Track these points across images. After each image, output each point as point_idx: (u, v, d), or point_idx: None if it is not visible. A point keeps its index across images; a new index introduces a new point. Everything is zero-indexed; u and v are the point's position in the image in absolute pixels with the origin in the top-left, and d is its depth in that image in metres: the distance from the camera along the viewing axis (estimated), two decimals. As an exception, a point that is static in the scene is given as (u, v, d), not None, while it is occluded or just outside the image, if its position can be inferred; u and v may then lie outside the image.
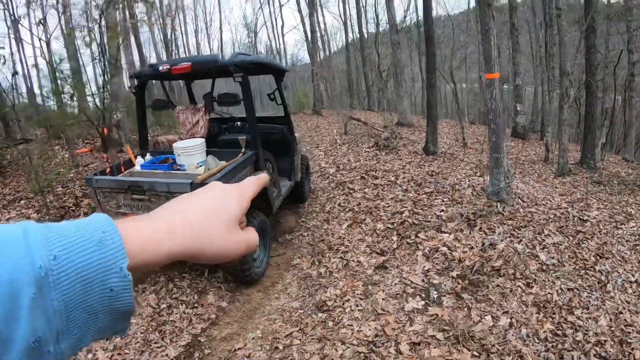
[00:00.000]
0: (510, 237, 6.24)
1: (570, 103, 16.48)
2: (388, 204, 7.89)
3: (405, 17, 32.62)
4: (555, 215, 7.22)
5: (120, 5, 13.61)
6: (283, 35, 34.72)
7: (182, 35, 39.96)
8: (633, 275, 5.64)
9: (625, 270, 5.77)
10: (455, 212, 7.04)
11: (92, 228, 0.51)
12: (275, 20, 37.06)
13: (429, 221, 6.90)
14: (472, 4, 30.11)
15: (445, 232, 6.48)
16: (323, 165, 11.02)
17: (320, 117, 20.69)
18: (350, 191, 8.89)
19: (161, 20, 36.45)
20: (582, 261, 5.86)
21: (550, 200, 8.05)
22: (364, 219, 7.52)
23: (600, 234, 6.87)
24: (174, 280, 5.71)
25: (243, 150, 5.86)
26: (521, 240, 6.14)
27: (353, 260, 6.27)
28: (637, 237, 7.00)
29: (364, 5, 36.05)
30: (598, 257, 6.02)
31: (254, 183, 0.76)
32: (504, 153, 7.36)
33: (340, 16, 36.04)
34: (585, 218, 7.40)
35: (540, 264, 5.65)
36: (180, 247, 0.59)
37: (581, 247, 6.24)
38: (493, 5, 7.18)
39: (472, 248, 5.96)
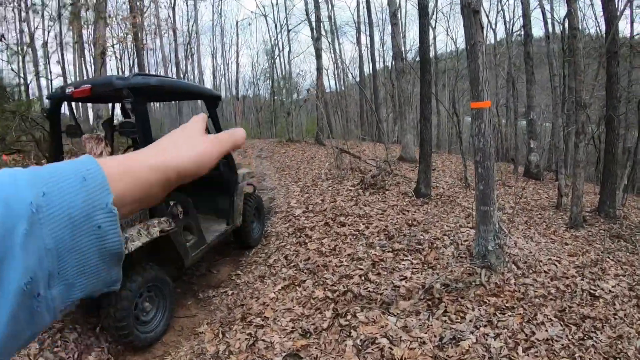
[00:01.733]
0: (486, 325, 4.53)
1: (588, 141, 15.49)
2: (341, 262, 6.29)
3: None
4: (558, 289, 5.54)
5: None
6: (289, 61, 33.25)
7: (196, 58, 39.36)
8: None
9: (648, 391, 4.05)
10: (421, 281, 5.35)
11: (76, 167, 0.50)
12: (289, 45, 35.96)
13: (380, 294, 5.22)
14: (492, 39, 29.42)
15: (392, 315, 4.75)
16: (292, 205, 9.49)
17: (321, 147, 19.42)
18: (306, 240, 7.35)
19: (174, 41, 35.99)
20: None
21: (556, 265, 6.36)
22: (304, 281, 5.98)
23: (616, 319, 5.14)
24: (64, 330, 4.83)
25: None
26: (500, 334, 4.40)
27: (264, 340, 4.78)
28: None
29: (382, 34, 35.71)
30: (609, 366, 4.26)
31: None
32: (495, 205, 5.68)
33: (355, 45, 35.32)
34: (597, 293, 5.70)
35: (522, 377, 3.95)
36: (162, 161, 0.59)
37: (585, 346, 4.48)
38: (480, 14, 5.62)
39: (423, 344, 4.24)
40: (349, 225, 7.72)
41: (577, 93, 9.32)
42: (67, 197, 0.46)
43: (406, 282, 5.43)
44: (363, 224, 7.72)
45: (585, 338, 4.62)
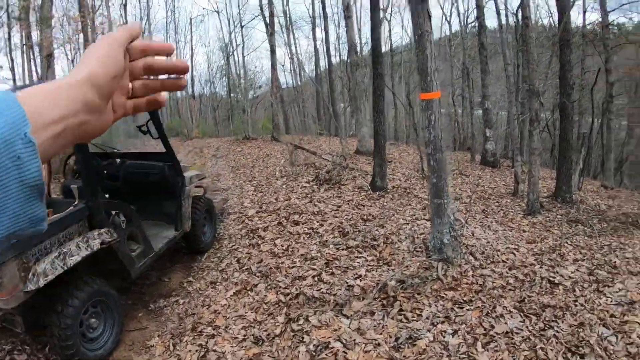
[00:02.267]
0: (443, 322, 4.34)
1: (543, 128, 15.65)
2: (294, 263, 6.03)
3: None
4: (517, 279, 5.40)
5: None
6: (244, 57, 32.82)
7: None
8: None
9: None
10: (376, 279, 5.13)
11: None
12: (243, 41, 35.44)
13: (333, 295, 4.98)
14: (447, 31, 29.37)
15: (346, 317, 4.52)
16: (246, 205, 9.18)
17: (277, 144, 18.99)
18: (259, 242, 7.07)
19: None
20: (547, 364, 3.94)
21: (514, 254, 6.24)
22: (257, 285, 5.70)
23: (577, 306, 5.02)
24: (13, 352, 4.61)
25: (76, 201, 4.77)
26: (458, 330, 4.21)
27: (215, 351, 4.49)
28: (626, 307, 5.14)
29: (337, 28, 35.72)
30: (569, 357, 4.09)
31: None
32: (449, 198, 5.50)
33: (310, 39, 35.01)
34: (557, 280, 5.58)
35: (482, 373, 3.76)
36: (70, 77, 0.60)
37: (546, 336, 4.33)
38: (428, 3, 5.42)
39: (378, 346, 4.01)
40: (302, 224, 7.47)
41: (531, 81, 9.25)
42: None
43: (360, 280, 5.20)
44: (317, 222, 7.48)
45: (546, 328, 4.48)
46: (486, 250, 6.07)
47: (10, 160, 0.47)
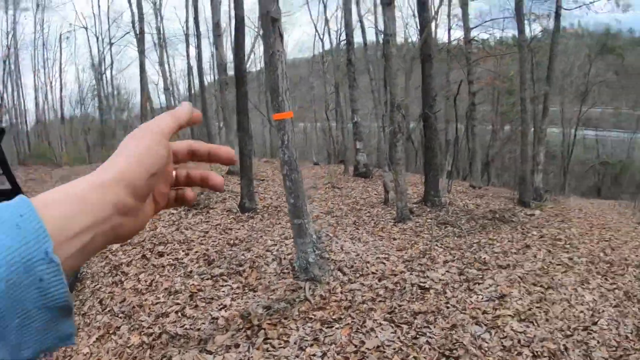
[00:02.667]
0: (312, 345, 4.17)
1: (407, 138, 16.27)
2: (158, 299, 5.63)
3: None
4: (387, 289, 5.37)
5: None
6: (112, 77, 31.52)
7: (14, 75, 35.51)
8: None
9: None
10: (242, 307, 4.85)
11: (8, 212, 0.43)
12: (112, 59, 33.81)
13: (197, 330, 4.65)
14: (320, 48, 29.78)
15: (209, 353, 4.21)
16: (109, 240, 8.53)
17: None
18: (122, 278, 6.55)
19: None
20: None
21: (384, 263, 6.22)
22: (119, 327, 5.22)
23: (448, 308, 5.08)
24: None
25: None
26: (328, 351, 4.03)
27: None
28: (497, 302, 5.31)
29: (212, 47, 35.29)
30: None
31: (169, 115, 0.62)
32: (309, 217, 5.36)
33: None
34: (427, 284, 5.62)
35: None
36: (98, 176, 0.50)
37: (419, 344, 4.27)
38: (280, 22, 5.28)
39: (246, 382, 3.74)
40: (167, 255, 7.04)
41: (392, 95, 9.41)
42: (2, 248, 0.40)
43: (225, 311, 4.93)
44: (183, 251, 7.08)
45: (418, 336, 4.44)
46: (355, 263, 5.99)
47: (31, 284, 0.41)
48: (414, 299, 5.16)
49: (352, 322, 4.53)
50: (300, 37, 75.78)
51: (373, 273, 5.77)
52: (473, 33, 20.06)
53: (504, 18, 21.88)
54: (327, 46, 27.51)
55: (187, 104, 0.65)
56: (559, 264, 6.99)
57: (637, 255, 7.75)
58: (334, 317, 4.61)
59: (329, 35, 27.66)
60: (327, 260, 5.64)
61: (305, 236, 5.25)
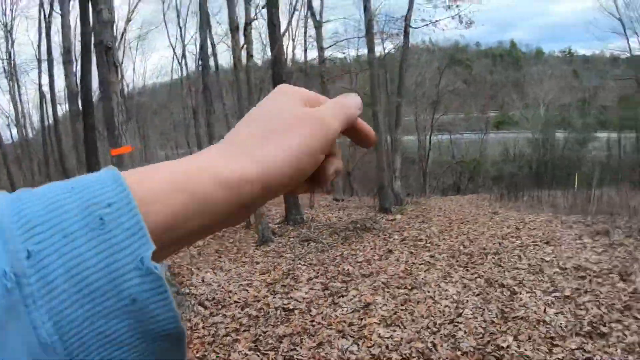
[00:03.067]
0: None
1: None
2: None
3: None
4: (251, 316, 5.33)
5: None
6: None
7: None
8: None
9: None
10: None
11: (88, 196, 0.29)
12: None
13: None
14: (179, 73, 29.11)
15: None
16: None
17: None
18: None
19: None
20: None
21: (247, 290, 6.16)
22: None
23: (314, 326, 5.12)
24: None
25: None
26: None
27: None
28: (362, 312, 5.45)
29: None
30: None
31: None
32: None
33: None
34: (292, 305, 5.64)
35: None
36: (234, 171, 0.35)
37: (282, 372, 4.23)
38: (114, 51, 5.08)
39: None
40: None
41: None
42: (72, 255, 0.27)
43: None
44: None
45: (284, 360, 4.40)
46: (217, 294, 5.88)
47: (120, 305, 0.27)
48: (279, 323, 5.14)
49: (216, 358, 4.43)
50: (159, 61, 74.05)
51: (236, 302, 5.69)
52: (328, 52, 20.71)
53: (357, 37, 22.71)
54: (187, 70, 27.07)
55: (356, 98, 0.49)
56: (422, 263, 7.28)
57: (494, 244, 8.27)
58: (197, 355, 4.48)
59: (185, 59, 27.09)
60: (187, 295, 5.47)
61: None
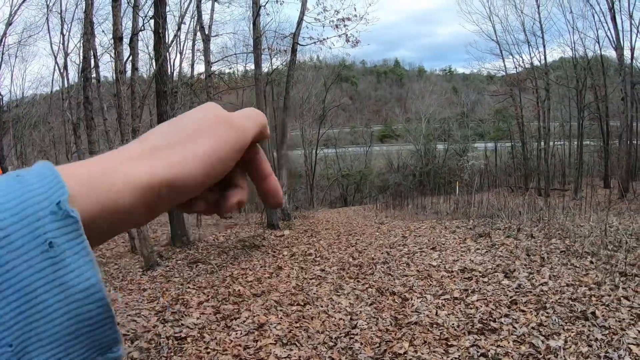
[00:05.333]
0: None
1: None
2: None
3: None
4: (142, 350, 5.07)
5: None
6: None
7: None
8: None
9: None
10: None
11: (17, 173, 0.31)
12: None
13: None
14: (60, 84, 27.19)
15: None
16: None
17: None
18: None
19: None
20: None
21: (135, 321, 5.90)
22: None
23: (209, 352, 4.95)
24: None
25: None
26: None
27: None
28: (257, 333, 5.39)
29: None
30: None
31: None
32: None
33: None
34: (183, 333, 5.45)
35: None
36: (144, 173, 0.37)
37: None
38: None
39: None
40: None
41: (123, 135, 9.07)
42: None
43: None
44: None
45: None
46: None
47: (39, 250, 0.28)
48: (172, 354, 4.94)
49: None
50: (39, 70, 69.83)
51: (124, 335, 5.40)
52: (216, 67, 20.66)
53: (245, 53, 22.69)
54: (68, 82, 25.51)
55: (260, 114, 0.49)
56: (313, 278, 7.33)
57: (382, 253, 8.49)
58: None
59: (67, 69, 25.36)
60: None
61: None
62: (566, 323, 4.81)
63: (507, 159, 35.60)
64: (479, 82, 52.25)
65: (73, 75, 24.57)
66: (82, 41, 16.58)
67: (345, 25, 16.03)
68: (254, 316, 5.84)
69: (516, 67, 28.58)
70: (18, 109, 27.47)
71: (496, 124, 37.88)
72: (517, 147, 32.29)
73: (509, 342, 4.53)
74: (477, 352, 4.42)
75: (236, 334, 5.37)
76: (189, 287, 7.20)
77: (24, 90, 30.37)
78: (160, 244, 10.69)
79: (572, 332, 4.61)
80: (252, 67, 18.94)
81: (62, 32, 21.00)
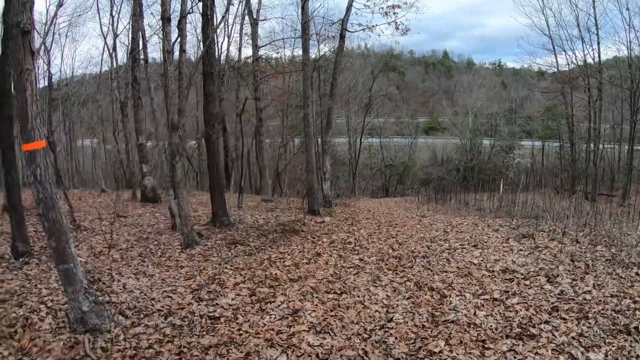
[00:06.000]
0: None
1: (189, 157, 16.16)
2: None
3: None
4: (175, 326, 5.08)
5: None
6: None
7: None
8: None
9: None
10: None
11: None
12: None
13: None
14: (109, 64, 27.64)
15: None
16: None
17: None
18: None
19: None
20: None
21: (171, 297, 5.93)
22: None
23: (241, 335, 4.90)
24: None
25: None
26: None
27: None
28: (291, 319, 5.30)
29: None
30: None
31: None
32: (76, 261, 4.81)
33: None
34: (217, 313, 5.44)
35: None
36: None
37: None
38: (33, 35, 4.67)
39: None
40: None
41: (169, 114, 9.04)
42: None
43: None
44: None
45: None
46: (139, 302, 5.61)
47: None
48: (204, 332, 4.93)
49: (136, 372, 4.20)
50: (89, 51, 71.33)
51: (159, 310, 5.42)
52: (263, 51, 20.51)
53: (293, 38, 22.62)
54: (117, 62, 25.90)
55: None
56: (351, 267, 7.23)
57: (422, 247, 8.32)
58: (121, 373, 4.23)
59: (116, 50, 25.76)
60: (106, 304, 5.17)
61: (74, 283, 4.72)
62: (608, 336, 4.60)
63: (554, 159, 34.57)
64: (529, 78, 51.01)
65: (122, 55, 24.94)
66: (131, 22, 16.75)
67: (394, 13, 15.71)
68: (289, 301, 5.78)
69: (568, 64, 27.31)
70: (68, 87, 28.05)
71: (545, 122, 36.71)
72: (566, 147, 31.11)
73: (547, 350, 4.34)
74: (514, 357, 4.27)
75: (270, 318, 5.31)
76: (226, 268, 7.21)
77: (73, 69, 30.95)
78: (200, 223, 10.75)
79: (614, 346, 4.40)
80: (300, 52, 18.88)
81: (111, 14, 21.27)
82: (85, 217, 11.71)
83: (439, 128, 53.31)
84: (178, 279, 6.77)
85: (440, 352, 4.41)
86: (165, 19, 8.91)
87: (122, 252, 8.42)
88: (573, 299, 5.55)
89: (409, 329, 4.96)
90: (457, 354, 4.35)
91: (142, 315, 5.28)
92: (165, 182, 12.46)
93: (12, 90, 5.07)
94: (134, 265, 7.50)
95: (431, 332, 4.88)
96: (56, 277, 6.81)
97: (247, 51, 21.82)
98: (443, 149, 40.91)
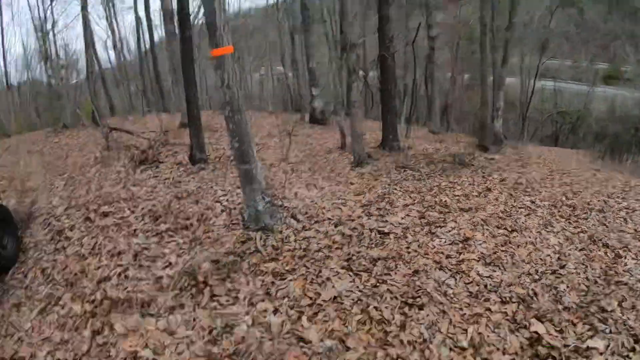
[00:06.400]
0: (263, 299, 3.88)
1: (363, 80, 16.08)
2: (100, 262, 5.17)
3: None
4: (344, 235, 5.11)
5: None
6: (54, 35, 29.26)
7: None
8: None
9: (451, 333, 3.58)
10: (188, 264, 4.49)
11: None
12: (53, 17, 31.50)
13: (141, 291, 4.26)
14: None
15: (152, 316, 3.86)
16: (54, 204, 7.94)
17: (97, 129, 17.12)
18: (65, 244, 6.00)
19: None
20: (381, 328, 3.58)
21: (341, 209, 5.95)
22: (61, 297, 4.72)
23: (409, 253, 4.82)
24: None
25: None
26: (281, 306, 3.76)
27: None
28: (461, 246, 5.09)
29: None
30: (407, 311, 3.77)
31: None
32: (256, 162, 4.95)
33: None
34: (387, 229, 5.35)
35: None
36: None
37: (379, 292, 4.01)
38: None
39: (192, 343, 3.43)
40: (113, 214, 6.53)
41: (345, 34, 8.95)
42: None
43: (170, 269, 4.56)
44: (129, 209, 6.59)
45: (378, 284, 4.19)
46: (310, 209, 5.69)
47: None
48: (373, 245, 4.90)
49: (306, 272, 4.25)
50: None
51: (329, 219, 5.48)
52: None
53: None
54: None
55: None
56: (522, 207, 6.80)
57: (599, 200, 7.60)
58: (287, 268, 4.32)
59: None
60: (279, 207, 5.31)
61: (253, 182, 4.89)
62: None
63: None
64: None
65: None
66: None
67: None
68: (460, 229, 5.55)
69: None
70: (235, 20, 29.23)
71: None
72: None
73: None
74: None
75: (440, 241, 5.15)
76: (395, 189, 7.10)
77: (240, 2, 31.91)
78: (369, 146, 10.70)
79: None
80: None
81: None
82: (256, 134, 12.16)
83: (620, 77, 48.11)
84: (348, 193, 6.79)
85: (612, 311, 3.94)
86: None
87: (292, 165, 8.64)
88: None
89: (581, 281, 4.52)
90: (628, 318, 3.85)
91: (313, 221, 5.36)
92: (336, 103, 12.55)
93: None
94: (304, 178, 7.67)
95: (604, 289, 4.39)
96: (231, 180, 7.16)
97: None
98: (623, 102, 37.08)
